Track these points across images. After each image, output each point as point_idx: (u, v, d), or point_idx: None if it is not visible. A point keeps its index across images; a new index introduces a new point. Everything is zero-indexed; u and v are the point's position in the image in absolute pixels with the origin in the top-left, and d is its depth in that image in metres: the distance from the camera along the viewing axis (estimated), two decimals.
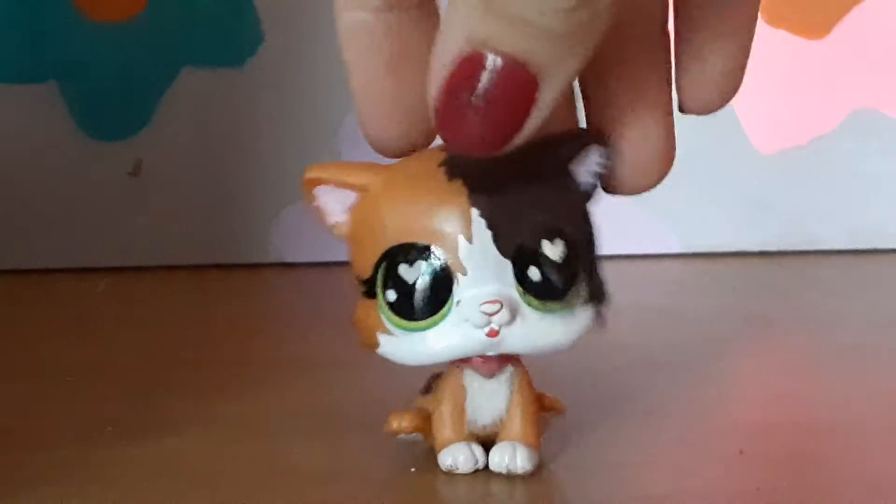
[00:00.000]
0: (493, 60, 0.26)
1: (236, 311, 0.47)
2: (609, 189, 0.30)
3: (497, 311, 0.28)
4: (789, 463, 0.32)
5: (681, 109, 0.31)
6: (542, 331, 0.29)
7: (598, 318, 0.30)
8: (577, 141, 0.30)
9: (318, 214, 0.30)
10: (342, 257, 0.51)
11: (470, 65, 0.26)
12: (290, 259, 0.52)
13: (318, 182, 0.30)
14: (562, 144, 0.29)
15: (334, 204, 0.30)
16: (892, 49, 0.55)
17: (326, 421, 0.34)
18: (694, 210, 0.54)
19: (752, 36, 0.31)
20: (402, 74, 0.29)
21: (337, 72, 0.52)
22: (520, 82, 0.26)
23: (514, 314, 0.29)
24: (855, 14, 0.55)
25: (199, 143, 0.51)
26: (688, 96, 0.31)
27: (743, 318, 0.47)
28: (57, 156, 0.50)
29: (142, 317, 0.45)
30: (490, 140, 0.27)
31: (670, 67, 0.30)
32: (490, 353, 0.29)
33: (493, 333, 0.29)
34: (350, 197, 0.30)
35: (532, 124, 0.26)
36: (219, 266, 0.51)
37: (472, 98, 0.26)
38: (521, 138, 0.27)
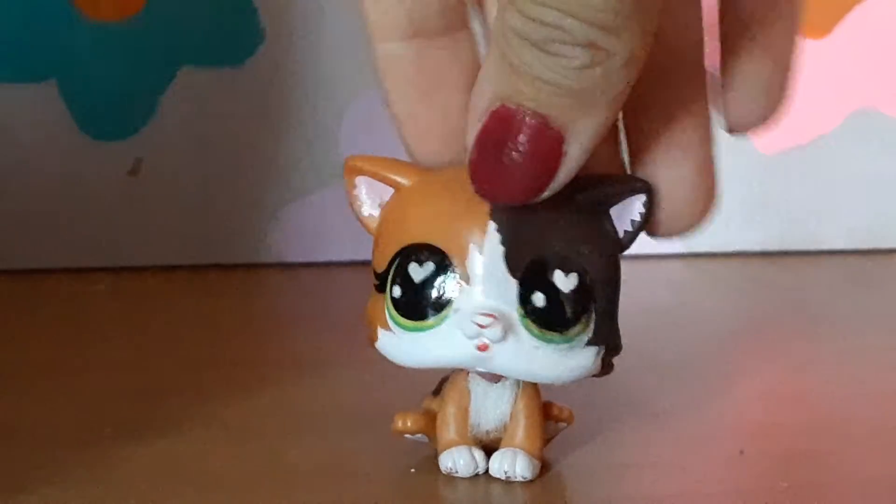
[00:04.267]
0: (520, 115, 0.27)
1: (236, 311, 0.47)
2: (648, 231, 0.30)
3: (489, 325, 0.28)
4: (790, 463, 0.32)
5: (727, 130, 0.31)
6: (535, 358, 0.28)
7: (606, 365, 0.30)
8: (623, 186, 0.30)
9: (353, 203, 0.31)
10: (342, 257, 0.51)
11: (498, 119, 0.27)
12: (289, 259, 0.52)
13: (358, 171, 0.30)
14: (606, 187, 0.29)
15: (370, 197, 0.30)
16: (893, 48, 0.55)
17: (326, 421, 0.34)
18: None
19: (793, 54, 0.31)
20: (436, 101, 0.30)
21: (337, 71, 0.52)
22: (546, 137, 0.27)
23: (507, 333, 0.28)
24: (856, 13, 0.55)
25: (198, 142, 0.50)
26: (732, 117, 0.31)
27: (744, 318, 0.47)
28: (56, 155, 0.50)
29: (142, 317, 0.45)
30: (519, 191, 0.28)
31: (708, 106, 0.30)
32: (479, 369, 0.29)
33: (482, 347, 0.28)
34: (387, 193, 0.30)
35: (562, 177, 0.27)
36: (218, 266, 0.51)
37: (503, 151, 0.27)
38: (551, 190, 0.27)
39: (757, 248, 0.55)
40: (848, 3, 0.55)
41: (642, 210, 0.30)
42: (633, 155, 0.30)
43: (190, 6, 0.50)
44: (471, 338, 0.28)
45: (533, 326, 0.28)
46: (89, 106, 0.50)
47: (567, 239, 0.29)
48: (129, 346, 0.41)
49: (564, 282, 0.28)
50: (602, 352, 0.29)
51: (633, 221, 0.30)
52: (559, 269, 0.28)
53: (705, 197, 0.31)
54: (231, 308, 0.47)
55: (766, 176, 0.55)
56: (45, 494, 0.29)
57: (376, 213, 0.30)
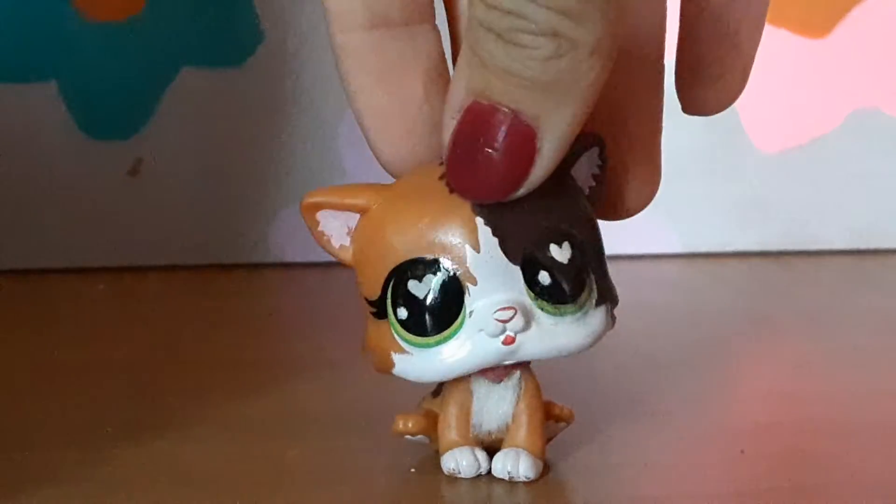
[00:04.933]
0: (492, 110, 0.26)
1: (236, 311, 0.47)
2: (598, 214, 0.31)
3: (511, 318, 0.28)
4: (790, 463, 0.32)
5: (684, 111, 0.31)
6: (557, 335, 0.29)
7: (610, 319, 0.30)
8: (575, 146, 0.29)
9: (321, 240, 0.30)
10: None
11: (472, 115, 0.27)
12: (290, 259, 0.52)
13: (318, 207, 0.30)
14: None
15: (337, 228, 0.30)
16: (893, 48, 0.55)
17: (326, 421, 0.34)
18: (695, 209, 0.54)
19: (758, 41, 0.31)
20: (395, 89, 0.30)
21: (336, 72, 0.52)
22: (518, 132, 0.27)
23: (528, 320, 0.28)
24: (856, 13, 0.55)
25: (198, 142, 0.50)
26: (688, 103, 0.31)
27: (744, 318, 0.47)
28: (56, 155, 0.50)
29: (142, 317, 0.45)
30: (495, 188, 0.27)
31: (661, 97, 0.31)
32: (507, 363, 0.29)
33: (508, 341, 0.28)
34: (353, 219, 0.30)
35: (538, 173, 0.27)
36: (219, 266, 0.51)
37: (477, 147, 0.27)
38: (527, 186, 0.27)
39: (757, 247, 0.55)
40: (848, 3, 0.55)
41: (599, 163, 0.30)
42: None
43: (190, 6, 0.50)
44: (495, 335, 0.28)
45: (547, 306, 0.29)
46: (89, 106, 0.50)
47: (549, 211, 0.29)
48: (129, 346, 0.41)
49: (560, 253, 0.28)
50: (609, 308, 0.30)
51: (594, 176, 0.30)
52: (553, 242, 0.28)
53: (649, 185, 0.31)
54: (231, 308, 0.47)
55: (766, 176, 0.55)
56: (45, 494, 0.29)
57: (347, 241, 0.30)
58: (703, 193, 0.54)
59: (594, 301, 0.29)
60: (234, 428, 0.33)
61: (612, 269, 0.30)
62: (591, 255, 0.29)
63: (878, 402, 0.37)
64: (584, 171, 0.30)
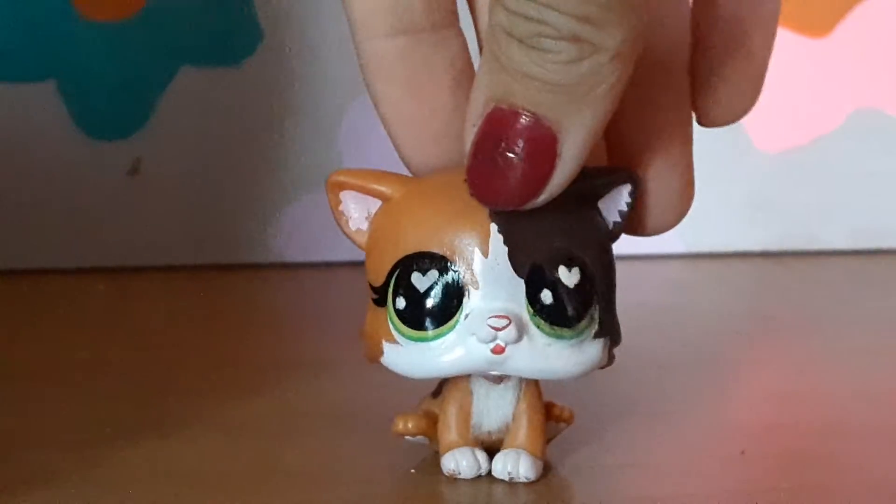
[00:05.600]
0: (513, 116, 0.26)
1: (236, 311, 0.47)
2: (628, 229, 0.30)
3: (504, 327, 0.28)
4: (791, 463, 0.32)
5: (699, 123, 0.31)
6: (548, 356, 0.28)
7: (609, 356, 0.30)
8: (610, 178, 0.30)
9: (339, 220, 0.30)
10: (342, 257, 0.51)
11: (493, 121, 0.27)
12: (290, 259, 0.52)
13: (343, 186, 0.30)
14: (594, 180, 0.29)
15: (357, 210, 0.30)
16: (894, 48, 0.55)
17: (326, 422, 0.34)
18: (696, 210, 0.54)
19: (770, 53, 0.31)
20: (423, 96, 0.30)
21: (336, 71, 0.52)
22: (538, 136, 0.26)
23: (521, 333, 0.28)
24: (858, 12, 0.55)
25: (197, 142, 0.50)
26: (703, 113, 0.31)
27: (745, 318, 0.47)
28: (55, 155, 0.49)
29: (142, 317, 0.45)
30: (516, 194, 0.27)
31: (689, 109, 0.31)
32: (493, 372, 0.29)
33: (498, 350, 0.28)
34: (374, 205, 0.30)
35: (559, 178, 0.27)
36: (218, 266, 0.51)
37: (498, 153, 0.27)
38: (548, 192, 0.27)
39: (758, 248, 0.55)
40: (848, 3, 0.55)
41: (628, 200, 0.30)
42: (610, 156, 0.30)
43: (189, 6, 0.50)
44: (486, 342, 0.28)
45: (543, 324, 0.28)
46: (88, 106, 0.49)
47: (565, 234, 0.29)
48: (129, 346, 0.41)
49: (568, 277, 0.28)
50: (608, 343, 0.29)
51: (620, 212, 0.30)
52: (563, 264, 0.28)
53: (683, 197, 0.31)
54: (231, 308, 0.47)
55: (768, 176, 0.55)
56: (43, 495, 0.29)
57: (364, 226, 0.30)
58: (704, 194, 0.54)
59: (593, 332, 0.29)
60: (234, 428, 0.33)
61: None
62: (599, 287, 0.29)
63: (878, 402, 0.37)
64: (611, 205, 0.30)
